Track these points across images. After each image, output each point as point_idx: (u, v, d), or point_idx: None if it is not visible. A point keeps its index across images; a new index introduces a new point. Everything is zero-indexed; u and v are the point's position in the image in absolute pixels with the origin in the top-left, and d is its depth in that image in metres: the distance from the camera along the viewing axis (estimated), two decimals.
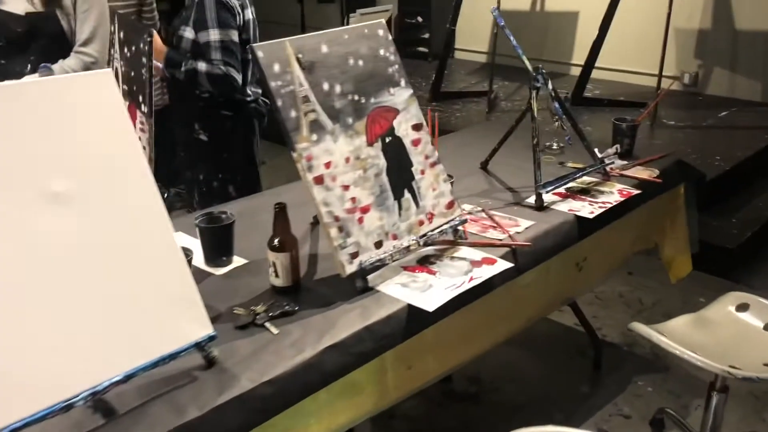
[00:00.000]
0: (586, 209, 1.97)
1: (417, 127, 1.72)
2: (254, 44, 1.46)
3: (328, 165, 1.50)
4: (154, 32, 2.25)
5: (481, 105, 5.13)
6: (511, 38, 2.08)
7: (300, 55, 1.50)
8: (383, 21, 1.72)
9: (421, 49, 6.88)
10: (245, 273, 1.62)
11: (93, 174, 1.19)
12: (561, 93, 2.16)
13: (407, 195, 1.64)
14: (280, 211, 1.49)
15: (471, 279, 1.57)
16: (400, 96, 1.70)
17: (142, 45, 1.88)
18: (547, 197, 2.03)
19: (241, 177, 2.47)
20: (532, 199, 2.01)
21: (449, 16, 5.13)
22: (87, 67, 2.41)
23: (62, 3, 2.38)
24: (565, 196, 2.06)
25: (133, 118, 1.99)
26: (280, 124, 1.46)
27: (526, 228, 1.85)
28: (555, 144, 2.52)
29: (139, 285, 1.19)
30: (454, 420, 2.38)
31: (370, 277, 1.55)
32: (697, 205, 2.48)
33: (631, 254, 2.34)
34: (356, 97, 1.59)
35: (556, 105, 2.11)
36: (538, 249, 1.79)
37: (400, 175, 1.64)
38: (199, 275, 1.60)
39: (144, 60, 1.87)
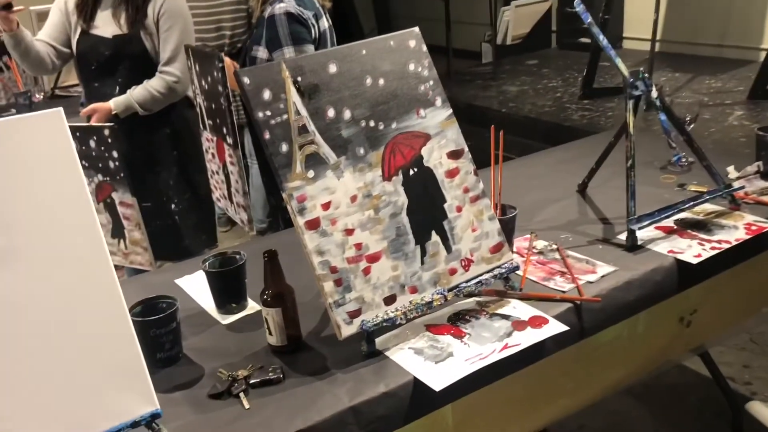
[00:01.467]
0: (693, 250, 1.55)
1: (455, 155, 1.43)
2: (241, 69, 1.27)
3: (327, 206, 1.27)
4: (226, 57, 2.15)
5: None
6: (601, 38, 1.70)
7: (299, 78, 1.29)
8: (416, 30, 1.45)
9: (584, 40, 6.31)
10: (252, 324, 1.44)
11: (29, 228, 1.07)
12: (682, 99, 1.74)
13: (435, 238, 1.37)
14: (270, 259, 1.29)
15: (505, 347, 1.26)
16: (434, 118, 1.42)
17: (215, 73, 1.77)
18: (647, 233, 1.63)
19: None
20: (625, 235, 1.62)
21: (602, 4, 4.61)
22: (170, 87, 2.38)
23: (145, 23, 2.36)
24: (671, 231, 1.65)
25: (221, 153, 1.89)
26: (268, 159, 1.26)
27: (604, 276, 1.48)
28: (684, 159, 2.06)
29: (69, 354, 1.06)
30: None
31: (382, 338, 1.30)
32: None
33: None
34: (372, 123, 1.35)
35: (662, 117, 1.70)
36: (614, 305, 1.43)
37: (426, 215, 1.37)
38: (203, 324, 1.46)
39: (220, 88, 1.76)
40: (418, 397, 1.20)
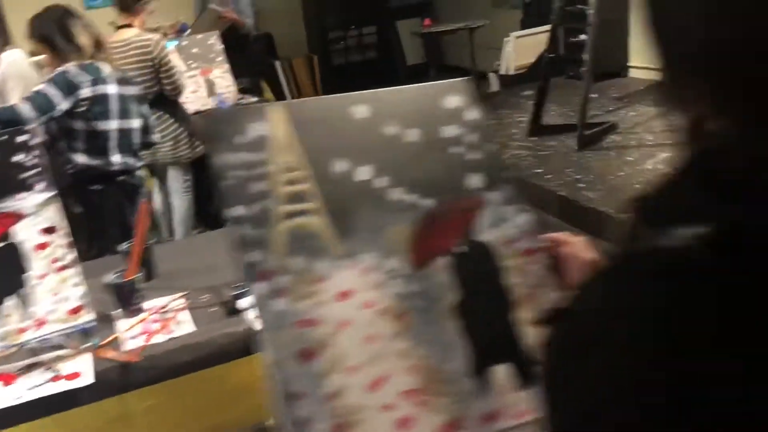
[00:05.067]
0: None
1: (48, 231, 1.73)
2: None
3: None
4: None
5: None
6: None
7: None
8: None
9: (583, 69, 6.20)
10: None
11: None
12: None
13: (9, 302, 1.67)
14: None
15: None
16: (32, 201, 1.73)
17: None
18: None
19: None
20: None
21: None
22: None
23: None
24: None
25: None
26: None
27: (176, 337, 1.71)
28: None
29: None
30: None
31: None
32: None
33: None
34: None
35: None
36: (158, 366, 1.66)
37: (5, 283, 1.68)
38: None
39: None
40: None
